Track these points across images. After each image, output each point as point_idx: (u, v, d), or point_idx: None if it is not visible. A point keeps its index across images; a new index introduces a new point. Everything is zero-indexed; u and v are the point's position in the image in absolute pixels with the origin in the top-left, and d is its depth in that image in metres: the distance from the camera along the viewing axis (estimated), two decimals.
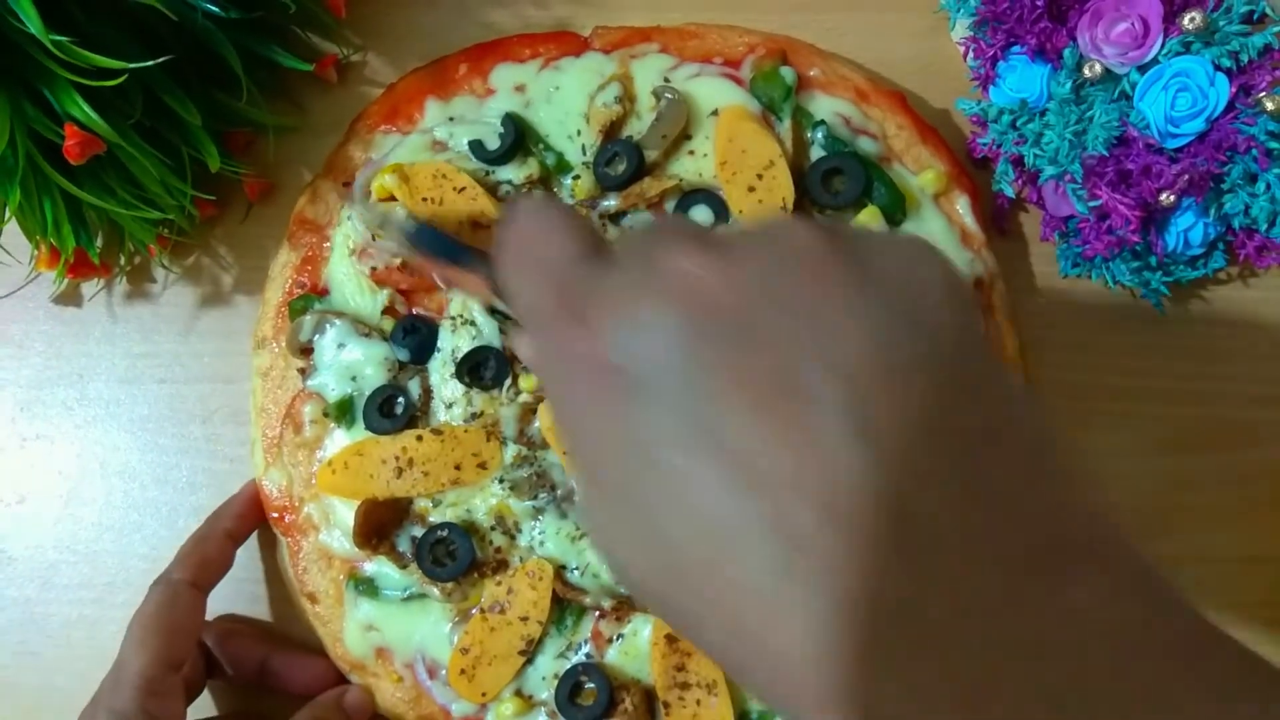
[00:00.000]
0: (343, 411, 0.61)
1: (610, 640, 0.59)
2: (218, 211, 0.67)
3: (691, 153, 0.62)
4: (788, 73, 0.62)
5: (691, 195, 0.61)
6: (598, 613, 0.59)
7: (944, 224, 0.61)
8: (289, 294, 0.63)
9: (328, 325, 0.61)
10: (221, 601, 0.63)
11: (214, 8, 0.56)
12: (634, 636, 0.59)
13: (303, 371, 0.62)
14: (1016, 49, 0.61)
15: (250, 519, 0.63)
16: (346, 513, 0.60)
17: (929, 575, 0.26)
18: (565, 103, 0.63)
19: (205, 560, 0.60)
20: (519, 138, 0.62)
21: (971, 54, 0.63)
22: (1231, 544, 0.64)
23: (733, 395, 0.28)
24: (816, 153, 0.61)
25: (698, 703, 0.57)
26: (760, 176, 0.59)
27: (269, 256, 0.66)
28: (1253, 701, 0.28)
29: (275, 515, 0.62)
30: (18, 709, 0.66)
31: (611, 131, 0.62)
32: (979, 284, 0.61)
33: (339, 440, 0.61)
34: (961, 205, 0.62)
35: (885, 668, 0.26)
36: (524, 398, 0.60)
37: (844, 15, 0.67)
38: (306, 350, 0.62)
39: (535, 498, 0.59)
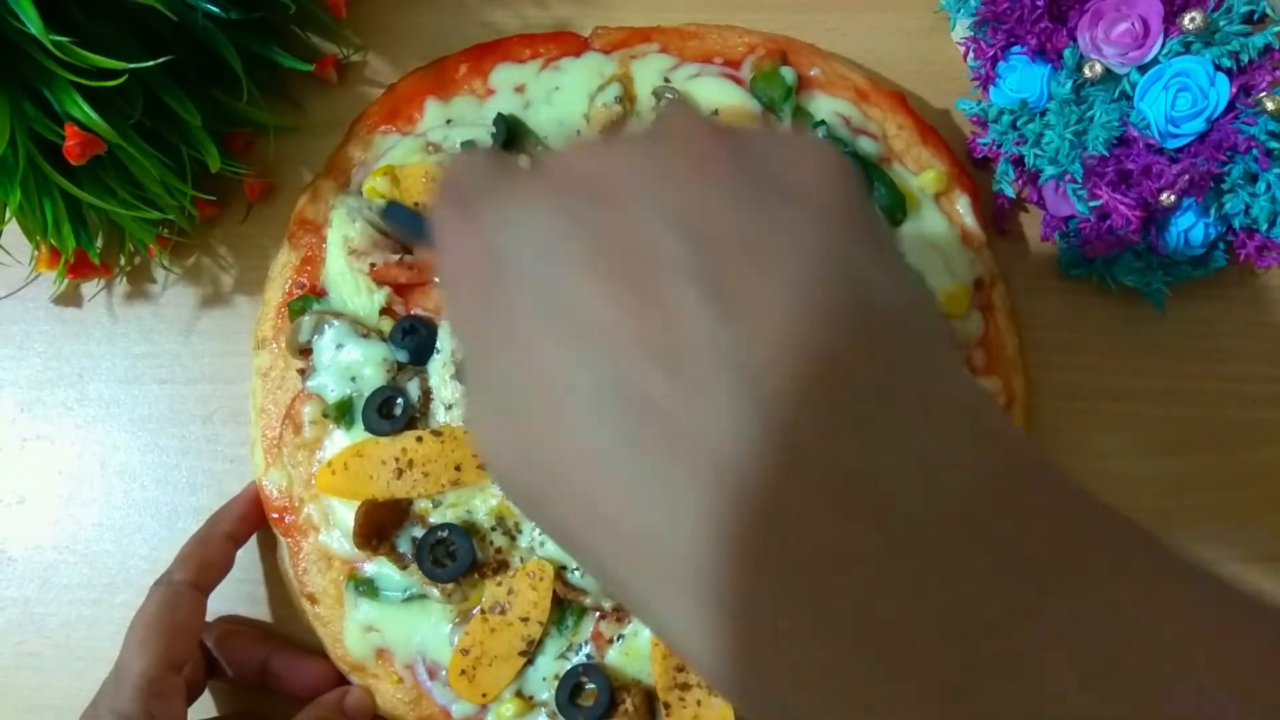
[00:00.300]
0: (342, 412, 0.61)
1: (611, 641, 0.59)
2: (218, 212, 0.67)
3: None
4: (788, 73, 0.62)
5: None
6: (598, 613, 0.59)
7: (945, 223, 0.61)
8: (289, 294, 0.63)
9: (326, 326, 0.61)
10: (221, 602, 0.63)
11: (214, 8, 0.56)
12: (634, 637, 0.59)
13: (302, 372, 0.62)
14: (1017, 49, 0.61)
15: (251, 520, 0.63)
16: (346, 513, 0.60)
17: (777, 438, 0.25)
18: (565, 103, 0.63)
19: (206, 561, 0.60)
20: (511, 138, 0.62)
21: (972, 54, 0.63)
22: (1233, 545, 0.63)
23: (583, 261, 0.27)
24: None
25: (698, 703, 0.57)
26: None
27: (269, 257, 0.66)
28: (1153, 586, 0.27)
29: (275, 516, 0.62)
30: (16, 709, 0.66)
31: (612, 132, 0.62)
32: (979, 284, 0.61)
33: (339, 441, 0.61)
34: (962, 205, 0.62)
35: (749, 560, 0.25)
36: None
37: (844, 15, 0.67)
38: (306, 351, 0.62)
39: None
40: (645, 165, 0.29)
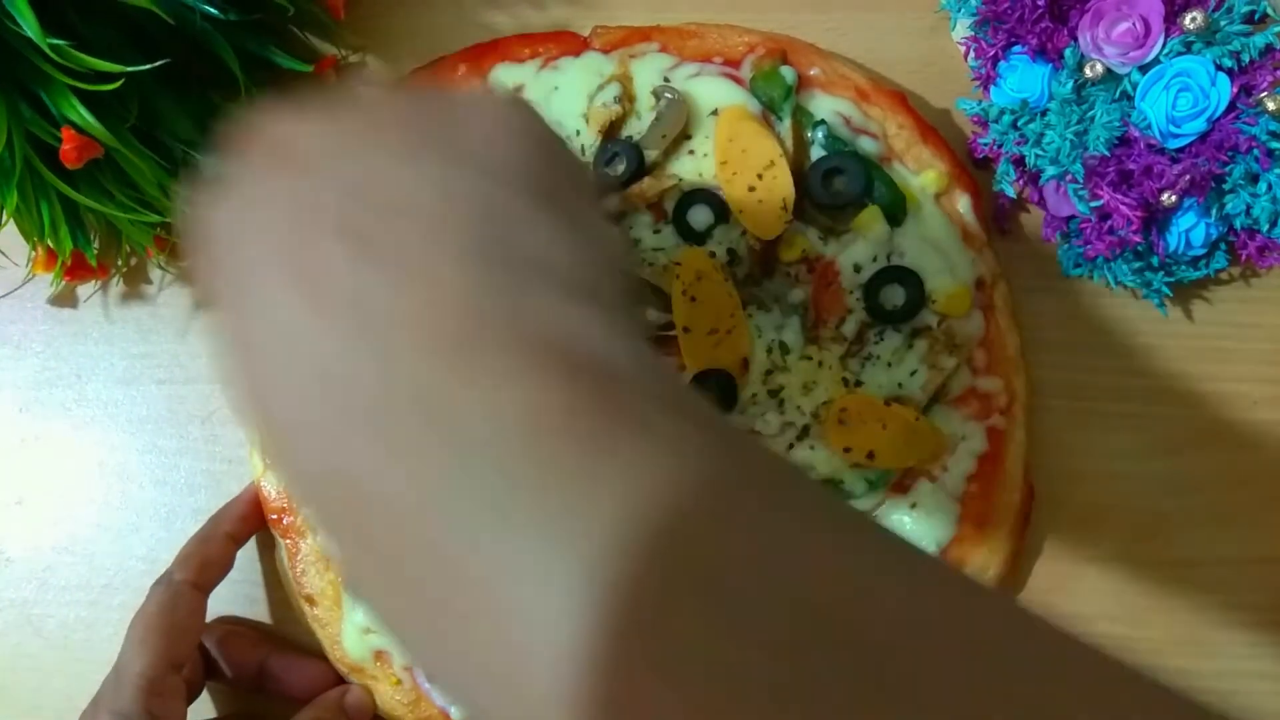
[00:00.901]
0: None
1: None
2: None
3: (691, 152, 0.61)
4: (788, 72, 0.62)
5: (691, 195, 0.61)
6: None
7: (945, 223, 0.61)
8: None
9: None
10: (218, 603, 0.63)
11: (212, 10, 0.56)
12: None
13: None
14: (1017, 49, 0.61)
15: (252, 521, 0.63)
16: None
17: (400, 370, 0.27)
18: (564, 103, 0.63)
19: (207, 561, 0.60)
20: None
21: (972, 54, 0.63)
22: (1233, 546, 0.63)
23: (261, 226, 0.30)
24: (817, 152, 0.61)
25: None
26: (760, 176, 0.59)
27: None
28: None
29: (274, 517, 0.62)
30: (15, 710, 0.66)
31: (611, 131, 0.62)
32: (980, 284, 0.61)
33: None
34: (963, 205, 0.62)
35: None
36: None
37: (844, 15, 0.67)
38: None
39: None
40: (329, 132, 0.32)
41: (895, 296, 0.59)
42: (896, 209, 0.60)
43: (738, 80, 0.62)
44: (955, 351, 0.59)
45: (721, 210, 0.60)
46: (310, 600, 0.61)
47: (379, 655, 0.60)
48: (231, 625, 0.65)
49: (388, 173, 0.30)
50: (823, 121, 0.61)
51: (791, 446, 0.59)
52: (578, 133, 0.62)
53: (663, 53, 0.64)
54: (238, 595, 0.65)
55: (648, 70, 0.63)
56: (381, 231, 0.28)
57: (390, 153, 0.30)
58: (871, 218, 0.59)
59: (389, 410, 0.26)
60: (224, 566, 0.61)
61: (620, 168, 0.60)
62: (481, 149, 0.31)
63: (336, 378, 0.27)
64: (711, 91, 0.62)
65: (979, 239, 0.61)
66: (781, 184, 0.59)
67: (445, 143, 0.31)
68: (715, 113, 0.61)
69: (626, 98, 0.62)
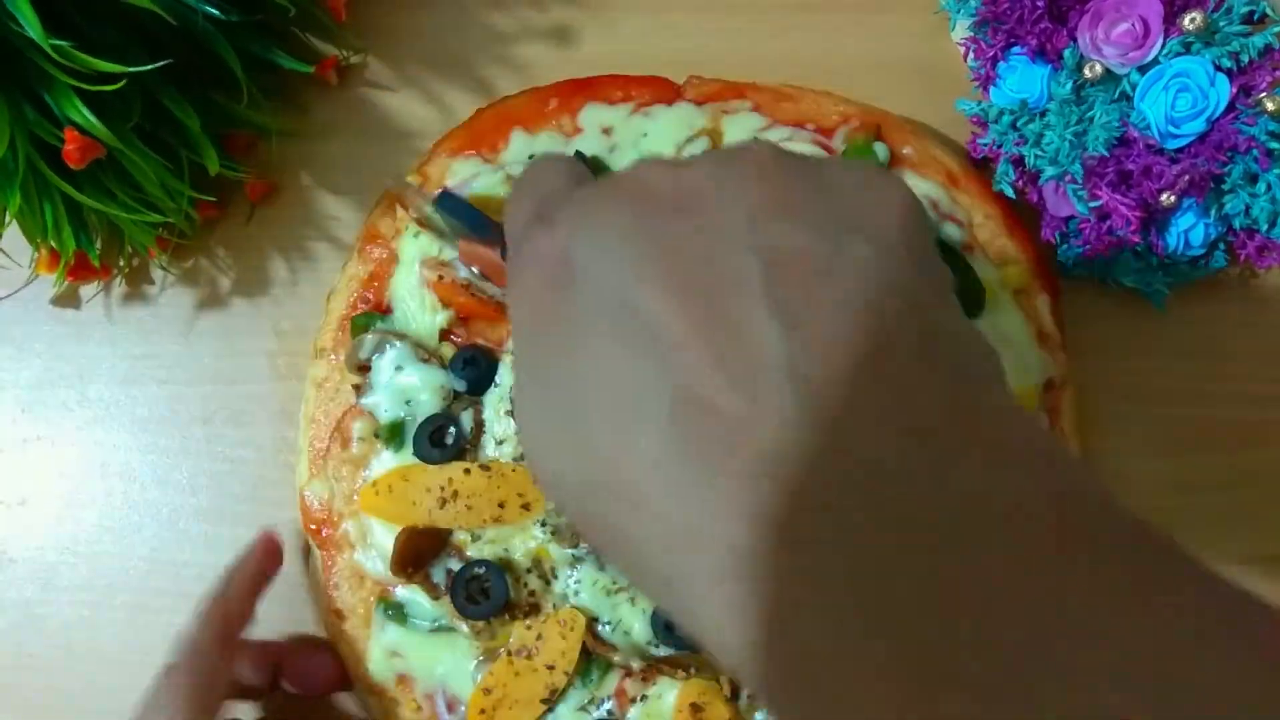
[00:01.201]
0: (393, 434, 0.60)
1: (634, 700, 0.58)
2: (219, 214, 0.67)
3: None
4: (880, 148, 0.61)
5: None
6: (625, 671, 0.58)
7: (1021, 321, 0.60)
8: (353, 308, 0.63)
9: (388, 346, 0.61)
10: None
11: (214, 10, 0.56)
12: (658, 700, 0.58)
13: (357, 388, 0.62)
14: (1017, 49, 0.61)
15: (268, 570, 0.62)
16: (384, 535, 0.59)
17: (823, 440, 0.26)
18: (651, 150, 0.62)
19: (228, 616, 0.59)
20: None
21: (972, 54, 0.63)
22: (1233, 546, 0.63)
23: (657, 273, 0.28)
24: None
25: None
26: None
27: (268, 258, 0.66)
28: (1169, 596, 0.26)
29: (314, 527, 0.62)
30: (17, 712, 0.66)
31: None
32: (1049, 385, 0.60)
33: (386, 462, 0.60)
34: (1041, 304, 0.61)
35: (781, 542, 0.25)
36: None
37: (844, 15, 0.67)
38: (364, 368, 0.61)
39: (576, 546, 0.58)
40: (720, 181, 0.30)
41: None
42: (974, 300, 0.59)
43: (829, 150, 0.61)
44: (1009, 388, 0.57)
45: None
46: (339, 615, 0.61)
47: (401, 679, 0.60)
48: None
49: (799, 236, 0.28)
50: None
51: None
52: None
53: (756, 112, 0.63)
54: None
55: (739, 128, 0.62)
56: (801, 296, 0.27)
57: (795, 214, 0.29)
58: None
59: (804, 470, 0.25)
60: (245, 618, 0.60)
61: None
62: (884, 226, 0.30)
63: (779, 459, 0.25)
64: None
65: (1054, 340, 0.61)
66: None
67: (850, 214, 0.30)
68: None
69: None
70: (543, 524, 0.59)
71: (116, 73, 0.51)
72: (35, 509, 0.68)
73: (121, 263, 0.66)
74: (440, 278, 0.61)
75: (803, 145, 0.61)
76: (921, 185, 0.61)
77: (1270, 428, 0.64)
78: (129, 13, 0.53)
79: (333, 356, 0.63)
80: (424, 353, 0.61)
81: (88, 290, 0.69)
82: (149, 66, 0.53)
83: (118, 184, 0.58)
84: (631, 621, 0.58)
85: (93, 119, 0.53)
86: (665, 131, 0.63)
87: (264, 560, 0.62)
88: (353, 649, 0.61)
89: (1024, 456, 0.28)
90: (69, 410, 0.68)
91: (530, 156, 0.63)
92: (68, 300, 0.69)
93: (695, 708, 0.57)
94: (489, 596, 0.58)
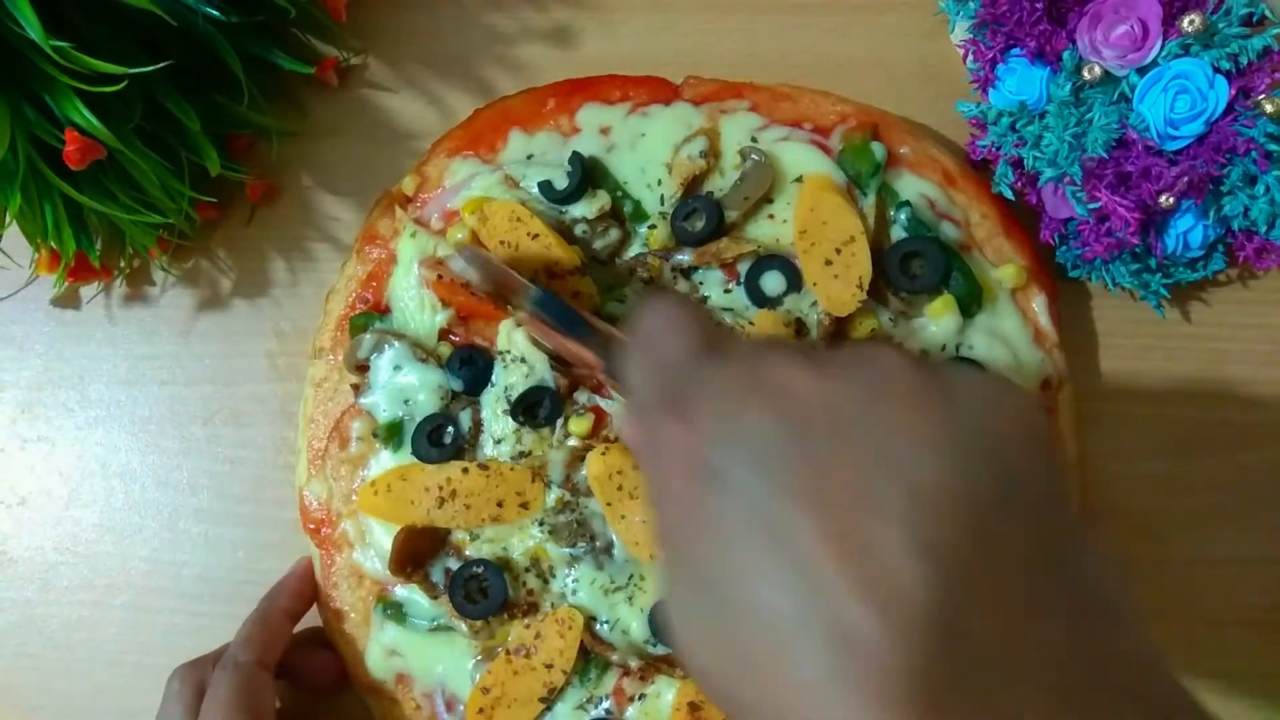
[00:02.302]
0: (391, 434, 0.61)
1: (632, 699, 0.59)
2: (219, 214, 0.67)
3: (771, 217, 0.61)
4: (878, 148, 0.61)
5: (766, 260, 0.60)
6: (622, 670, 0.59)
7: (1019, 320, 0.60)
8: (351, 308, 0.63)
9: (387, 346, 0.61)
10: (220, 603, 0.63)
11: (214, 11, 0.56)
12: (656, 699, 0.58)
13: (356, 388, 0.62)
14: (1016, 51, 0.61)
15: (307, 596, 0.63)
16: (382, 535, 0.60)
17: (973, 694, 0.28)
18: (649, 150, 0.62)
19: (269, 641, 0.59)
20: (586, 176, 0.61)
21: (971, 56, 0.63)
22: (1232, 546, 0.64)
23: (809, 499, 0.30)
24: (898, 233, 0.60)
25: None
26: (839, 251, 0.58)
27: (268, 259, 0.66)
28: None
29: (312, 527, 0.62)
30: (17, 710, 0.66)
31: (693, 185, 0.61)
32: (1047, 384, 0.60)
33: (384, 462, 0.61)
34: (1038, 303, 0.61)
35: None
36: (573, 442, 0.59)
37: (844, 17, 0.67)
38: (362, 367, 0.62)
39: (574, 545, 0.59)
40: (864, 403, 0.32)
41: None
42: (971, 300, 0.59)
43: (826, 149, 0.61)
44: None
45: (795, 279, 0.60)
46: (339, 615, 0.61)
47: (400, 678, 0.60)
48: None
49: (941, 468, 0.30)
50: (907, 202, 0.61)
51: None
52: (659, 182, 0.62)
53: (753, 112, 0.63)
54: (239, 595, 0.64)
55: (736, 128, 0.62)
56: (942, 532, 0.29)
57: (937, 446, 0.31)
58: (945, 306, 0.59)
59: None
60: (285, 641, 0.61)
61: (699, 224, 0.60)
62: (1016, 456, 0.32)
63: (928, 695, 0.28)
64: (798, 158, 0.61)
65: (1050, 339, 0.61)
66: (860, 261, 0.58)
67: (985, 441, 0.32)
68: (800, 179, 0.61)
69: (712, 153, 0.62)
70: (540, 523, 0.59)
71: (117, 74, 0.51)
72: (35, 509, 0.68)
73: (122, 263, 0.66)
74: (439, 277, 0.61)
75: (800, 145, 0.61)
76: (918, 184, 0.61)
77: (1269, 429, 0.64)
78: (129, 14, 0.53)
79: (331, 357, 0.63)
80: (422, 352, 0.61)
81: (88, 291, 0.69)
82: (150, 68, 0.53)
83: (118, 185, 0.58)
84: (629, 621, 0.58)
85: (93, 120, 0.53)
86: (663, 131, 0.63)
87: (302, 585, 0.63)
88: (351, 648, 0.61)
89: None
90: (69, 411, 0.68)
91: (529, 156, 0.63)
92: (68, 301, 0.69)
93: (693, 706, 0.57)
94: (487, 596, 0.58)
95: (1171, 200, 0.58)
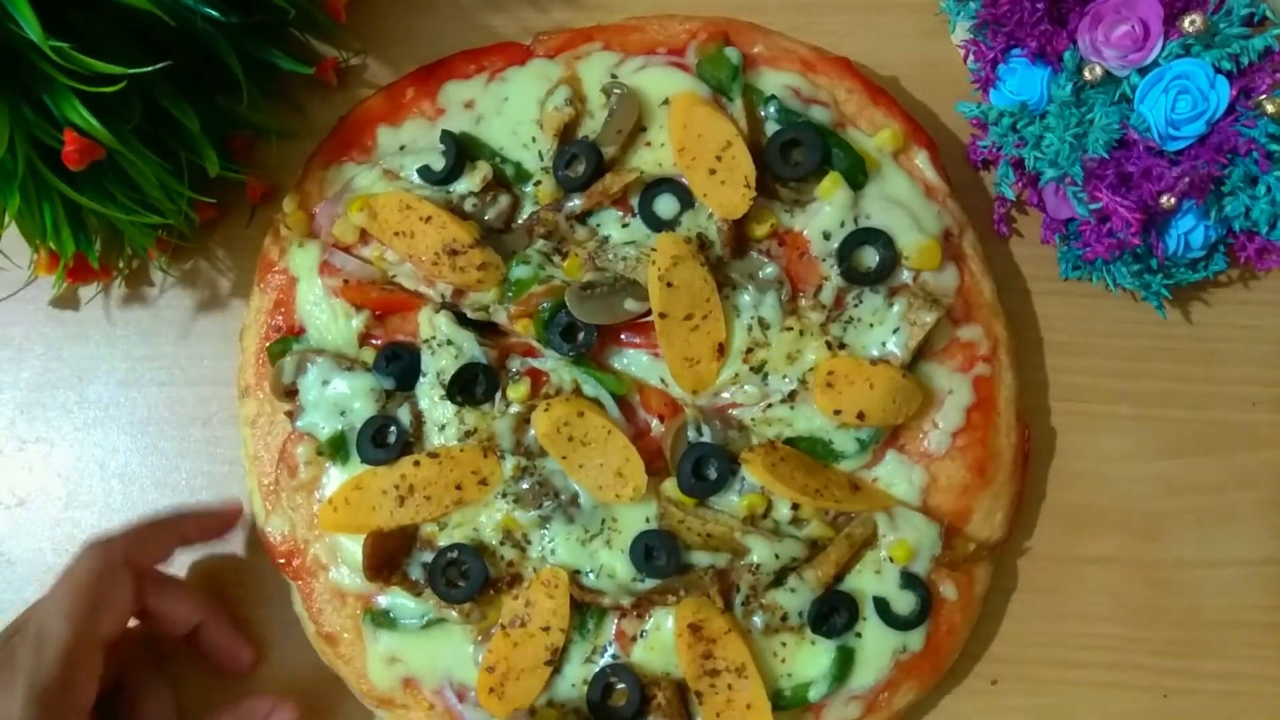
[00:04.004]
0: (336, 448, 0.61)
1: (634, 638, 0.59)
2: (219, 215, 0.67)
3: (649, 144, 0.62)
4: (732, 53, 0.62)
5: (655, 186, 0.61)
6: (619, 612, 0.59)
7: (907, 181, 0.62)
8: (265, 338, 0.63)
9: (309, 364, 0.61)
10: (219, 604, 0.63)
11: (213, 12, 0.56)
12: (657, 631, 0.59)
13: (290, 414, 0.62)
14: (1016, 52, 0.61)
15: (212, 534, 0.63)
16: (354, 548, 0.60)
17: None
18: (516, 112, 0.63)
19: (152, 548, 0.59)
20: (461, 152, 0.62)
21: (972, 57, 0.63)
22: (1233, 547, 0.64)
23: None
24: (772, 127, 0.62)
25: (729, 687, 0.57)
26: (719, 158, 0.60)
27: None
28: None
29: (281, 561, 0.62)
30: None
31: (566, 134, 0.62)
32: (949, 235, 0.61)
33: (336, 478, 0.61)
34: (921, 160, 0.62)
35: None
36: (515, 409, 0.60)
37: (845, 18, 0.68)
38: (291, 392, 0.62)
39: (540, 506, 0.59)
40: None
41: (868, 258, 0.60)
42: (857, 172, 0.61)
43: (684, 68, 0.63)
44: (934, 306, 0.59)
45: (686, 197, 0.61)
46: (331, 639, 0.61)
47: (407, 683, 0.60)
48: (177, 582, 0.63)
49: None
50: (773, 96, 0.62)
51: (770, 407, 0.60)
52: (533, 139, 0.63)
53: (607, 50, 0.64)
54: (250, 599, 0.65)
55: (595, 70, 0.63)
56: None
57: None
58: (834, 183, 0.60)
59: None
60: (163, 558, 0.60)
61: (580, 168, 0.61)
62: None
63: None
64: (660, 82, 0.62)
65: (941, 191, 0.62)
66: (741, 162, 0.59)
67: None
68: (666, 102, 0.62)
69: (577, 99, 0.62)
70: (503, 495, 0.59)
71: (116, 74, 0.51)
72: (34, 510, 0.68)
73: (121, 264, 0.66)
74: (345, 282, 0.62)
75: (659, 69, 0.62)
76: (780, 77, 0.63)
77: (1268, 430, 0.65)
78: (129, 15, 0.53)
79: (259, 392, 0.63)
80: (346, 361, 0.61)
81: (87, 292, 0.68)
82: (149, 68, 0.52)
83: (117, 185, 0.58)
84: (613, 564, 0.59)
85: (92, 120, 0.53)
86: (525, 91, 0.64)
87: (215, 520, 0.63)
88: (353, 667, 0.61)
89: None
90: (68, 412, 0.68)
91: (401, 147, 0.64)
92: (67, 302, 0.69)
93: (694, 627, 0.58)
94: (468, 578, 0.58)
95: (1172, 201, 0.58)
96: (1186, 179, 0.57)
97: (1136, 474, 0.64)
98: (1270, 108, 0.57)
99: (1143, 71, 0.58)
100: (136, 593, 0.57)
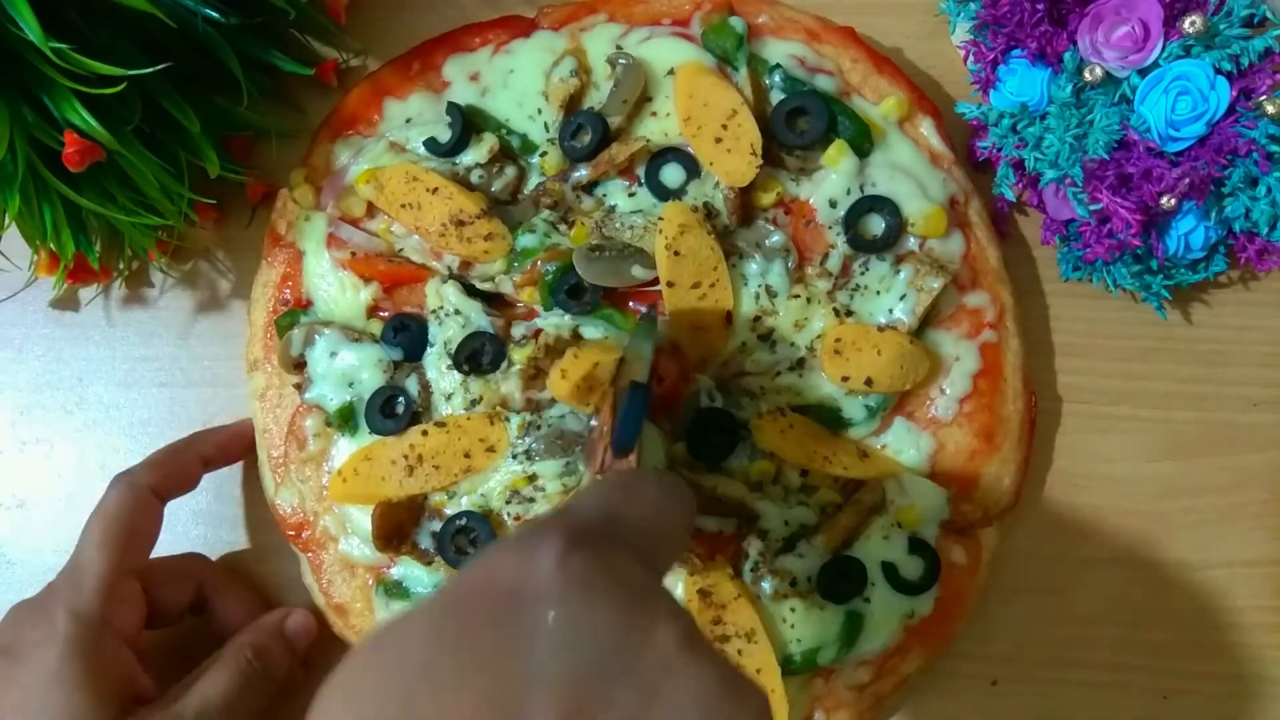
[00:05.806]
0: (345, 419, 0.61)
1: None
2: (219, 216, 0.67)
3: (654, 114, 0.62)
4: (737, 22, 0.62)
5: (661, 155, 0.62)
6: None
7: (912, 148, 0.62)
8: (274, 312, 0.63)
9: (317, 336, 0.61)
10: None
11: (214, 13, 0.56)
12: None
13: (299, 387, 0.62)
14: (1017, 52, 0.61)
15: (231, 452, 0.64)
16: (363, 519, 0.60)
17: None
18: (521, 84, 0.64)
19: (174, 473, 0.60)
20: (467, 124, 0.62)
21: (972, 57, 0.63)
22: (1232, 547, 0.64)
23: None
24: (777, 96, 0.62)
25: (739, 652, 0.57)
26: (725, 127, 0.60)
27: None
28: None
29: (291, 533, 0.62)
30: None
31: (572, 105, 0.63)
32: (954, 202, 0.61)
33: (345, 449, 0.61)
34: (926, 128, 0.63)
35: None
36: (517, 368, 0.59)
37: (844, 17, 0.67)
38: (300, 365, 0.62)
39: (567, 455, 0.59)
40: None
41: (874, 226, 0.61)
42: (862, 140, 0.61)
43: (689, 38, 0.63)
44: (941, 272, 0.59)
45: (692, 166, 0.61)
46: (341, 610, 0.61)
47: None
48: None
49: None
50: (778, 65, 0.62)
51: (778, 375, 0.60)
52: (539, 111, 0.63)
53: (611, 22, 0.64)
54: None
55: (599, 41, 0.64)
56: None
57: None
58: (839, 152, 0.60)
59: None
60: (189, 483, 0.61)
61: (586, 138, 0.61)
62: None
63: None
64: (665, 52, 0.63)
65: (946, 158, 0.62)
66: (747, 131, 0.60)
67: None
68: (672, 72, 0.62)
69: (583, 70, 0.63)
70: (514, 456, 0.59)
71: (116, 75, 0.51)
72: (34, 511, 0.68)
73: (121, 265, 0.66)
74: (353, 254, 0.62)
75: (663, 40, 0.63)
76: (784, 46, 0.63)
77: (1269, 431, 0.64)
78: (129, 16, 0.53)
79: (267, 366, 0.63)
80: (354, 333, 0.62)
81: (87, 293, 0.68)
82: (149, 69, 0.52)
83: (117, 186, 0.58)
84: None
85: (92, 121, 0.53)
86: (530, 63, 0.64)
87: (229, 438, 0.64)
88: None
89: None
90: (68, 413, 0.68)
91: (408, 120, 0.64)
92: (67, 303, 0.69)
93: (703, 593, 0.58)
94: (477, 545, 0.59)
95: (1173, 202, 0.58)
96: (1187, 180, 0.57)
97: (1136, 475, 0.64)
98: (1270, 109, 0.57)
99: (1143, 72, 0.58)
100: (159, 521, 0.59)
